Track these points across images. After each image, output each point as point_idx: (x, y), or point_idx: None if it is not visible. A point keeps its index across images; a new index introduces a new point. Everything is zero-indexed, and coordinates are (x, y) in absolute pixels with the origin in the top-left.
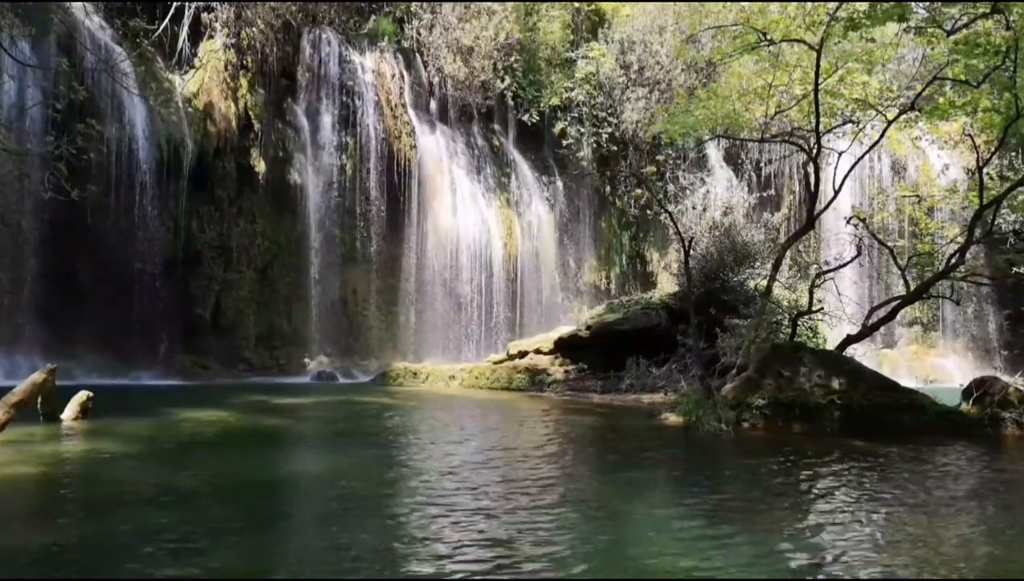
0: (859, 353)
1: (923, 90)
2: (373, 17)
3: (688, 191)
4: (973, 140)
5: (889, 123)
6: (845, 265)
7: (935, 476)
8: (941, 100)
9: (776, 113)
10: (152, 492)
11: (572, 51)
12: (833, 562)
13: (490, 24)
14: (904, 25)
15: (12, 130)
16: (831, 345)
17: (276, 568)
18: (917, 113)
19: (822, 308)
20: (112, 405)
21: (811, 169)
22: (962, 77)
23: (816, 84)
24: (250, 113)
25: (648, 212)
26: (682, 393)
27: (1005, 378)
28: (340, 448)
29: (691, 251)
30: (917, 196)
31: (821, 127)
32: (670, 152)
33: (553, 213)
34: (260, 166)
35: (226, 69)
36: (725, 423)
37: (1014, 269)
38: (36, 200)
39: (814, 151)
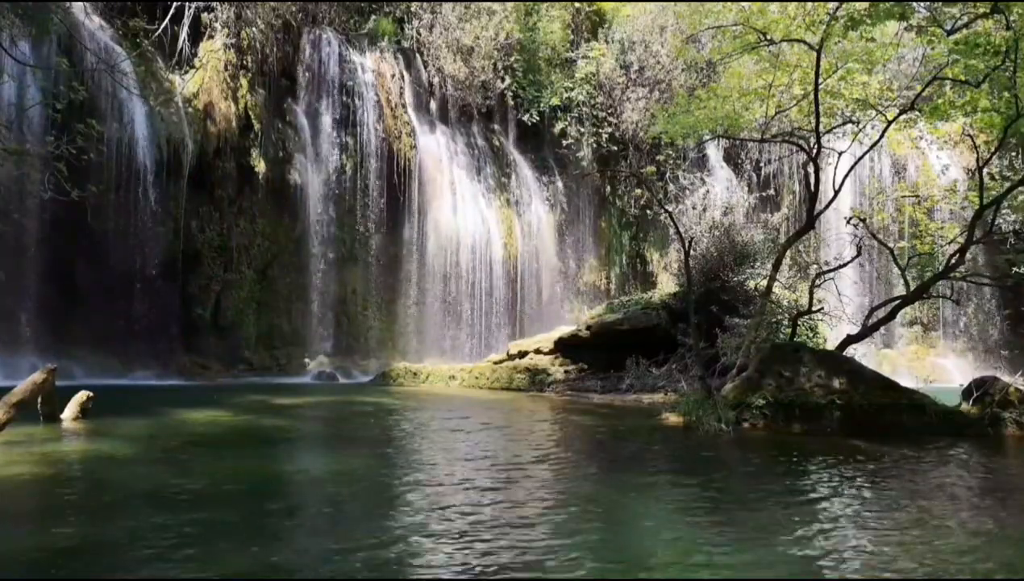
0: (859, 353)
1: (923, 90)
2: (373, 17)
3: (688, 191)
4: (973, 140)
5: (889, 123)
6: (845, 265)
7: (935, 476)
8: (941, 100)
9: (776, 113)
10: (151, 493)
11: (572, 51)
12: (833, 562)
13: (490, 24)
14: (904, 24)
15: (12, 130)
16: (831, 345)
17: (275, 569)
18: (917, 113)
19: (822, 308)
20: (112, 405)
21: (811, 169)
22: (962, 77)
23: (816, 84)
24: (250, 113)
25: (648, 212)
26: (682, 393)
27: (1005, 378)
28: (340, 449)
29: (691, 251)
30: (917, 196)
31: (821, 127)
32: (670, 152)
33: (553, 213)
34: (260, 166)
35: (226, 69)
36: (725, 423)
37: (1014, 269)
38: (36, 200)
39: (814, 151)
